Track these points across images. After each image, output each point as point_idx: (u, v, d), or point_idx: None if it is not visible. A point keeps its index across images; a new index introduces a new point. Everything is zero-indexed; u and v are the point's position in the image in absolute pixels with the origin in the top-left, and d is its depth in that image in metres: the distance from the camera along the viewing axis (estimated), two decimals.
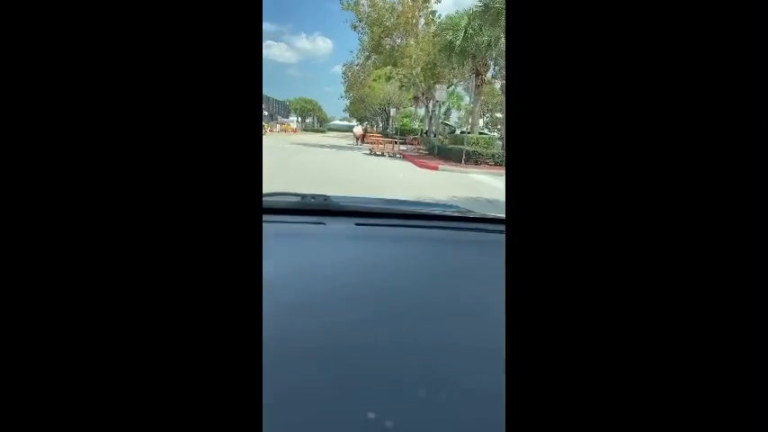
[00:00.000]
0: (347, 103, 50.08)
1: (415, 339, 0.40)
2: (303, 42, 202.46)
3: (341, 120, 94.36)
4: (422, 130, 29.15)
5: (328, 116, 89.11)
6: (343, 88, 40.99)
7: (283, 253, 0.66)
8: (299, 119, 69.21)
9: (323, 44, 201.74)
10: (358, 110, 53.09)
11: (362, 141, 21.22)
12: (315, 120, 77.33)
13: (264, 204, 0.87)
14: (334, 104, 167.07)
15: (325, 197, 1.03)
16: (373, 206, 1.09)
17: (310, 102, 76.47)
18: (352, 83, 39.34)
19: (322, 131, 62.60)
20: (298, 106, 72.36)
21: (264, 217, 0.80)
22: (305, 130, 60.61)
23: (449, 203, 1.52)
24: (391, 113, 32.41)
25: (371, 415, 0.29)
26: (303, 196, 1.04)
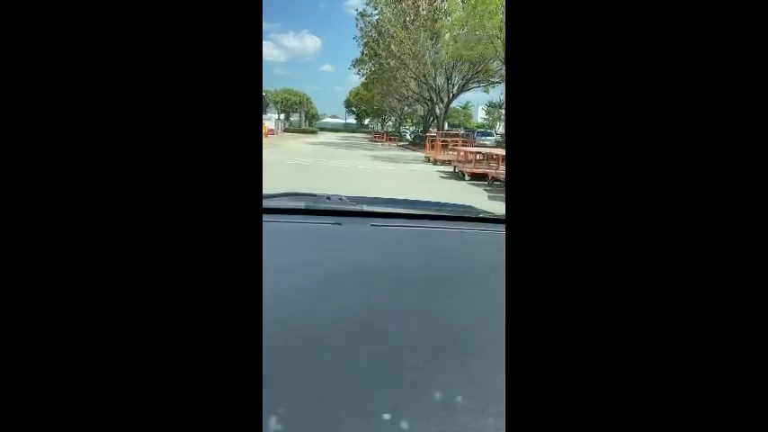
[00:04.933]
0: (358, 85, 29.55)
1: (424, 339, 0.40)
2: (291, 40, 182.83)
3: (331, 117, 76.34)
4: None
5: (319, 113, 70.06)
6: (358, 54, 22.08)
7: (301, 251, 0.67)
8: (281, 116, 49.87)
9: (311, 42, 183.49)
10: (372, 97, 33.82)
11: None
12: (303, 116, 57.82)
13: (281, 205, 0.95)
14: (324, 101, 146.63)
15: (341, 197, 1.08)
16: (389, 207, 1.13)
17: (296, 94, 56.91)
18: (385, 39, 20.03)
19: (313, 131, 43.40)
20: (279, 99, 52.95)
21: (281, 217, 0.86)
22: (288, 130, 41.22)
23: (463, 204, 1.33)
24: None
25: (387, 416, 0.29)
26: (319, 197, 1.10)
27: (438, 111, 20.70)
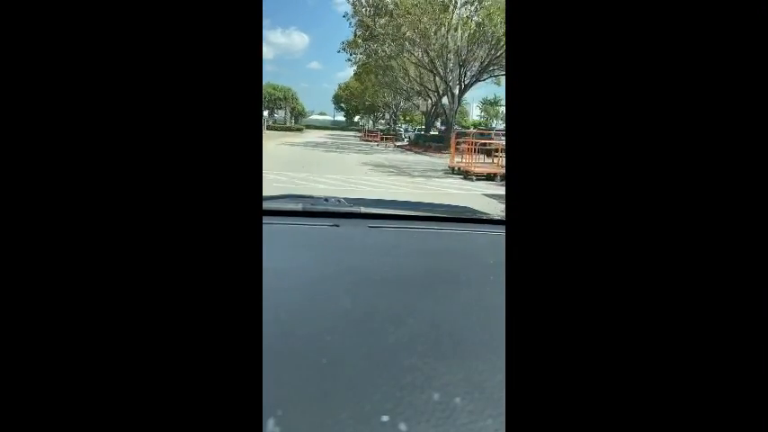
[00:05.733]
0: (348, 78, 25.70)
1: (422, 340, 0.40)
2: (278, 37, 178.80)
3: (319, 114, 72.59)
4: None
5: (306, 109, 66.06)
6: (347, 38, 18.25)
7: (299, 253, 0.68)
8: (264, 112, 45.73)
9: (299, 39, 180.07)
10: (365, 90, 30.11)
11: None
12: (288, 113, 53.73)
13: (279, 207, 0.95)
14: (312, 99, 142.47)
15: (339, 199, 1.07)
16: (386, 208, 1.13)
17: (281, 89, 52.74)
18: (383, 14, 16.18)
19: (298, 129, 39.60)
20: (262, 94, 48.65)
21: (279, 219, 0.85)
22: (272, 128, 37.23)
23: (461, 206, 1.36)
24: None
25: (385, 418, 0.29)
26: (317, 199, 1.08)
27: (448, 104, 17.04)
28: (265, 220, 0.75)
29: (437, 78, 17.42)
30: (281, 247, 0.68)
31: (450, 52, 15.60)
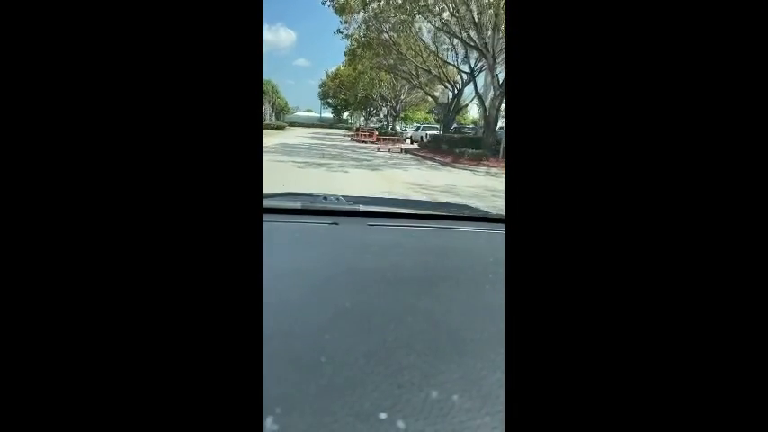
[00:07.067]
0: (347, 43, 19.54)
1: (421, 338, 0.40)
2: (265, 33, 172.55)
3: (306, 111, 66.79)
4: None
5: (290, 106, 60.23)
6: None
7: (298, 252, 0.68)
8: None
9: (286, 35, 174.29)
10: (357, 77, 24.53)
11: None
12: (270, 109, 47.74)
13: (278, 205, 0.95)
14: (298, 96, 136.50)
15: (338, 197, 1.06)
16: (386, 206, 1.13)
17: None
18: None
19: (280, 127, 33.88)
20: None
21: (278, 217, 0.86)
22: None
23: (461, 204, 1.47)
24: None
25: (383, 415, 0.29)
26: (316, 197, 1.08)
27: (492, 91, 11.50)
28: (264, 217, 0.74)
29: (465, 52, 11.92)
30: (279, 246, 0.68)
31: (492, 8, 10.12)
